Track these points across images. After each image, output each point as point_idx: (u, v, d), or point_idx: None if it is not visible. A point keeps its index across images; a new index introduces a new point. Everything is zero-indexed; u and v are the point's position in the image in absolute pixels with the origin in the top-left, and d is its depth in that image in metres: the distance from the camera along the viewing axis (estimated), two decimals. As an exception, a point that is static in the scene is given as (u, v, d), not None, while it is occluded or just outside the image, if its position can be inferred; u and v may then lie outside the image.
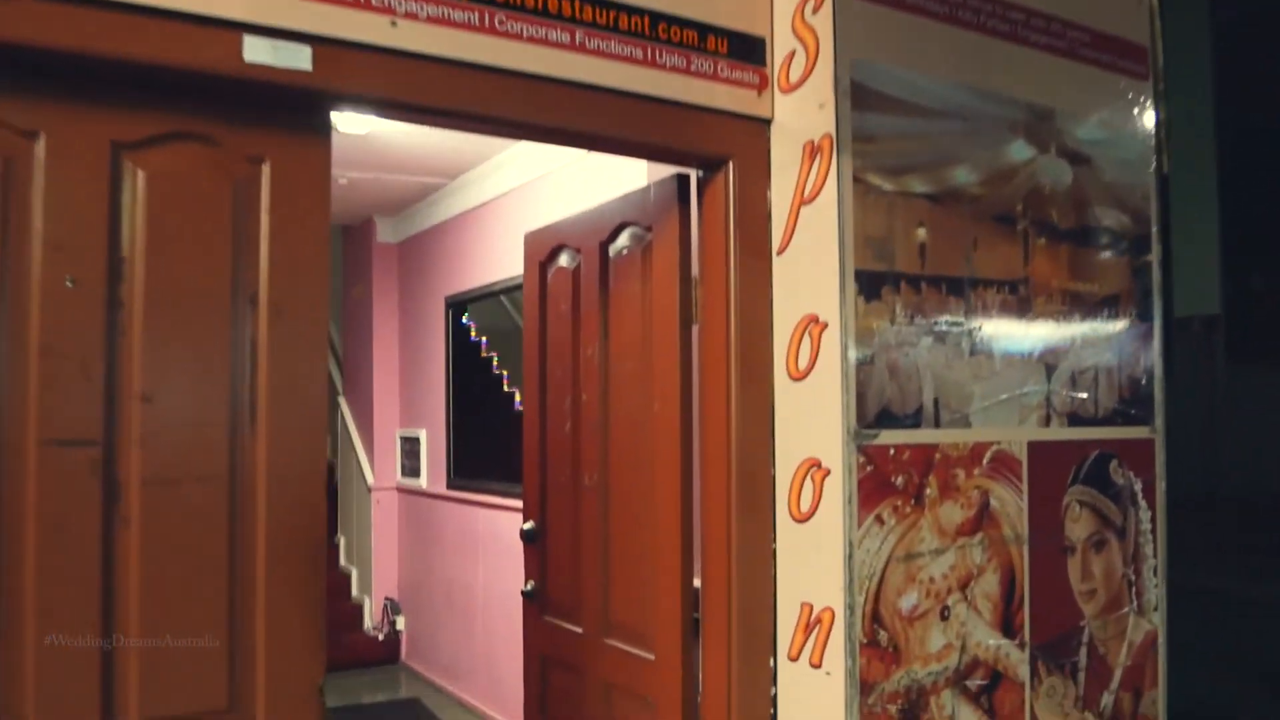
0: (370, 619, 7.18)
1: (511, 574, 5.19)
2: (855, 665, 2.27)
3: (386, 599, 7.08)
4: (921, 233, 2.49)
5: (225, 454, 2.01)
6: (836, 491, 2.30)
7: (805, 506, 2.38)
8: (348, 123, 4.94)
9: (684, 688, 2.57)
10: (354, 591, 7.45)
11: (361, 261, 7.56)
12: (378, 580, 7.17)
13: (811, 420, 2.39)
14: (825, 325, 2.36)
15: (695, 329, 2.63)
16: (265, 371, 2.05)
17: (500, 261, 5.74)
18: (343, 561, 7.72)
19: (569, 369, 3.10)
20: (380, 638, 6.99)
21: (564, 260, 3.17)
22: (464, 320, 6.37)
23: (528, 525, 3.27)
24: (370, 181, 6.30)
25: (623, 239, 2.87)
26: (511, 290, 5.65)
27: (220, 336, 2.01)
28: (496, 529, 5.69)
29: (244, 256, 2.05)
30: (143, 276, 1.94)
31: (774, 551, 2.47)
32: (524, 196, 5.52)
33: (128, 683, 1.88)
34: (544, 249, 3.28)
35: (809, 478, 2.38)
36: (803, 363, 2.42)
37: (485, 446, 6.11)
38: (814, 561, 2.36)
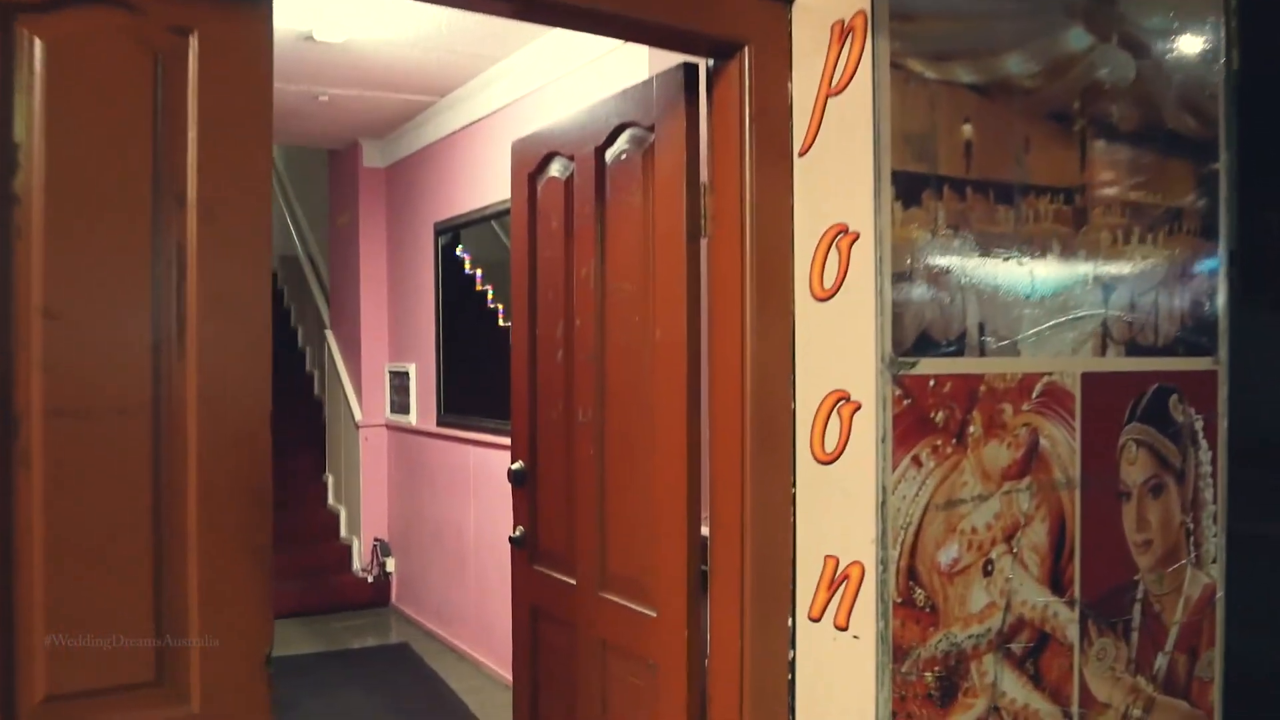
0: (359, 560, 6.93)
1: (503, 516, 4.90)
2: (888, 628, 1.97)
3: (376, 540, 6.83)
4: (967, 129, 2.14)
5: (148, 381, 1.69)
6: (868, 429, 1.99)
7: (830, 446, 2.07)
8: (324, 30, 4.56)
9: (690, 648, 2.28)
10: (343, 532, 7.20)
11: (348, 188, 7.18)
12: (366, 520, 6.91)
13: (839, 346, 2.07)
14: (856, 236, 2.03)
15: (704, 243, 2.30)
16: (195, 283, 1.72)
17: (491, 184, 5.38)
18: (331, 501, 7.46)
19: (561, 292, 2.77)
20: (370, 580, 6.75)
21: (555, 170, 2.83)
22: (458, 252, 6.02)
23: (516, 465, 2.97)
24: (353, 99, 5.91)
25: (621, 142, 2.53)
26: (502, 215, 5.30)
27: (139, 240, 1.68)
28: (488, 468, 5.41)
29: (168, 146, 1.71)
30: (43, 168, 1.60)
31: (793, 497, 2.16)
32: (517, 113, 5.14)
33: (32, 653, 1.58)
34: (533, 158, 2.93)
35: (835, 413, 2.06)
36: (829, 280, 2.09)
37: (477, 381, 5.80)
38: (840, 509, 2.05)
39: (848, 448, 2.03)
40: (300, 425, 7.90)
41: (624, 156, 2.51)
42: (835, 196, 2.08)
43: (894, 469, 1.98)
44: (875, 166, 1.99)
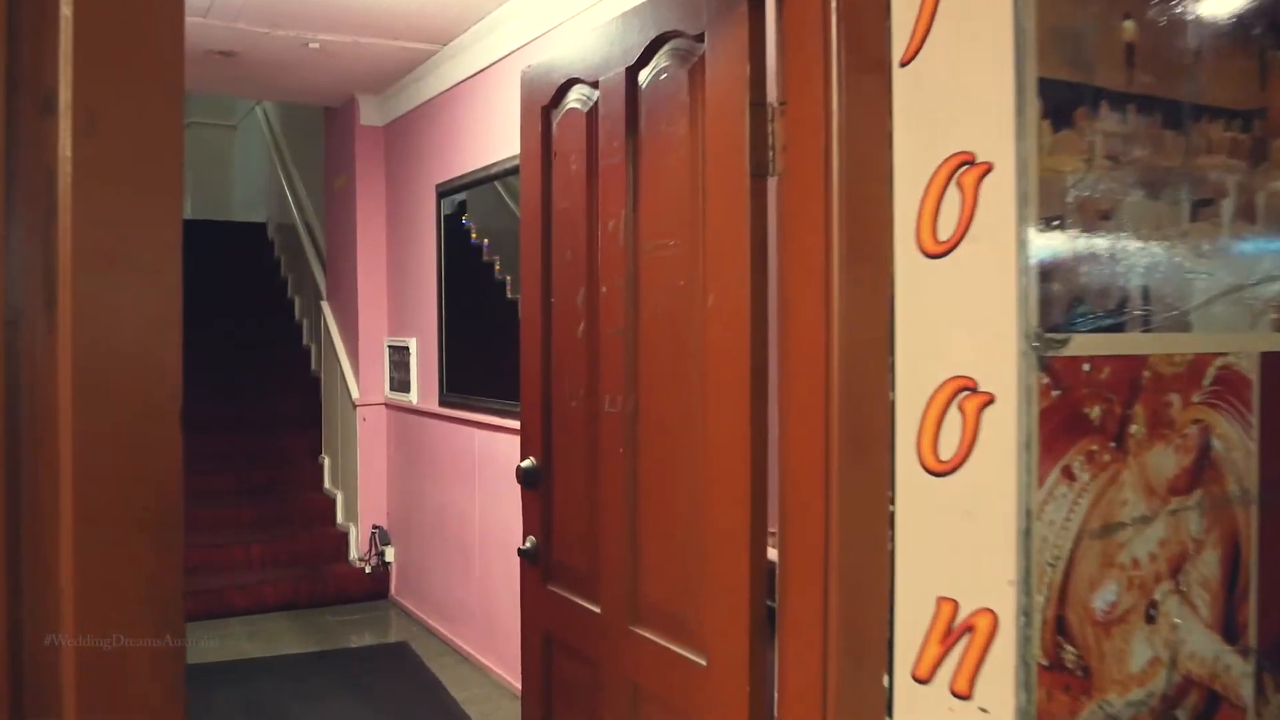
0: (356, 549, 6.44)
1: (511, 507, 4.40)
2: (1031, 701, 1.45)
3: (374, 527, 6.34)
4: (1129, 28, 1.61)
5: (-1, 363, 1.18)
6: (1005, 429, 1.46)
7: (947, 451, 1.55)
8: (308, -41, 4.02)
9: (751, 709, 1.77)
10: (339, 518, 6.71)
11: (344, 148, 6.65)
12: (364, 506, 6.41)
13: (960, 318, 1.54)
14: (987, 168, 1.50)
15: (772, 183, 1.77)
16: (71, 224, 1.20)
17: (498, 140, 4.84)
18: (327, 485, 6.98)
19: (583, 251, 2.24)
20: (367, 570, 6.26)
21: (575, 100, 2.30)
22: (463, 220, 5.48)
23: (526, 464, 2.45)
24: (346, 47, 5.37)
25: (661, 58, 2.00)
26: (509, 174, 4.76)
27: (-17, 161, 1.17)
28: (495, 453, 4.90)
29: (29, 24, 1.19)
30: None
31: (891, 517, 1.64)
32: (526, 59, 4.57)
33: None
34: (548, 89, 2.40)
35: (955, 407, 1.54)
36: (946, 229, 1.56)
37: (483, 357, 5.28)
38: (961, 537, 1.53)
39: (973, 454, 1.51)
40: (296, 403, 7.43)
41: (664, 76, 1.98)
42: (956, 116, 1.55)
43: (1040, 484, 1.46)
44: (1017, 70, 1.45)
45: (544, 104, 2.42)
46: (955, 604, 1.53)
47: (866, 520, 1.65)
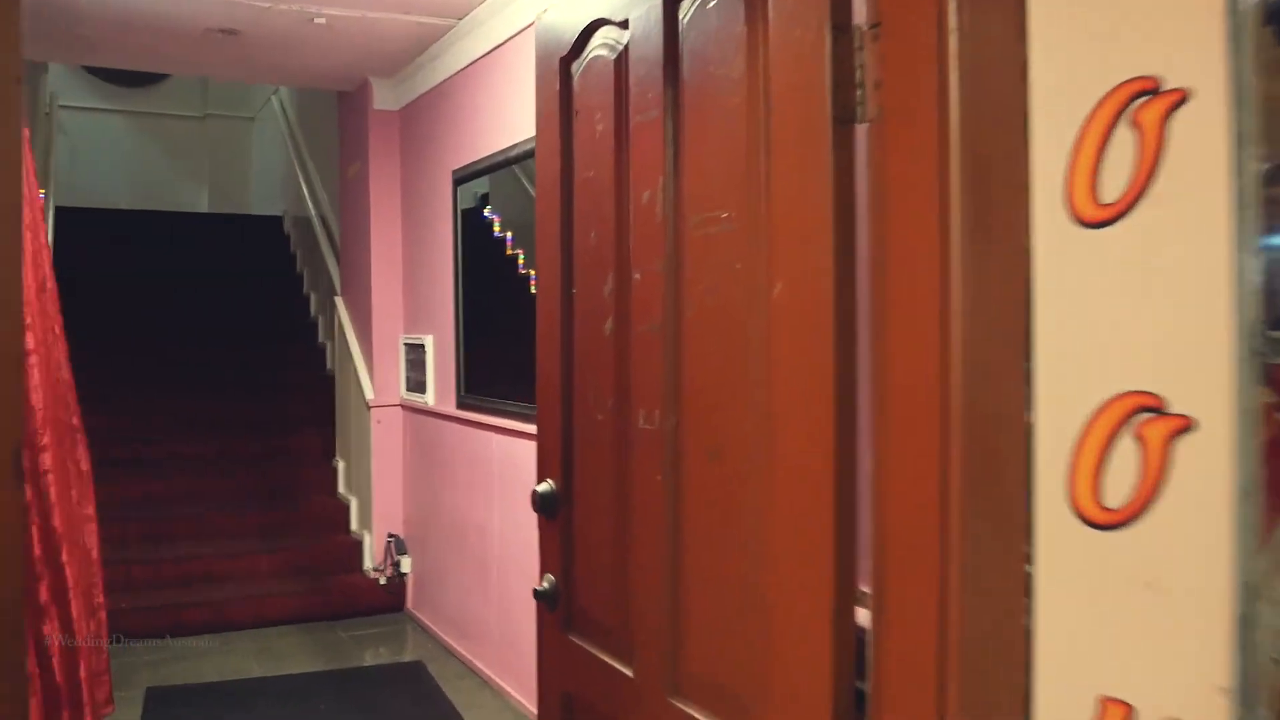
0: (371, 559, 6.06)
1: (532, 519, 3.99)
2: None
3: (390, 536, 5.95)
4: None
5: None
6: (1212, 468, 1.03)
7: (1117, 496, 1.12)
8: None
9: (834, 829, 1.34)
10: (353, 525, 6.34)
11: (358, 134, 6.27)
12: (379, 513, 6.03)
13: (1137, 310, 1.11)
14: (1180, 97, 1.06)
15: (862, 131, 1.34)
16: None
17: (517, 120, 4.43)
18: (341, 489, 6.61)
19: (610, 230, 1.83)
20: (382, 581, 5.87)
21: (600, 46, 1.88)
22: (485, 213, 5.07)
23: (543, 487, 2.04)
24: (355, 22, 4.98)
25: (709, -18, 1.57)
26: (527, 157, 4.35)
27: None
28: (514, 460, 4.49)
29: None
30: None
31: (1027, 581, 1.21)
32: (547, 28, 4.18)
33: None
34: (568, 35, 1.99)
35: (1130, 435, 1.10)
36: (1113, 187, 1.13)
37: (504, 356, 4.88)
38: (1138, 616, 1.10)
39: (1159, 501, 1.08)
40: (309, 403, 7.07)
41: (712, 3, 1.56)
42: (1127, 28, 1.11)
43: (1264, 545, 1.03)
44: (1229, -44, 1.02)
45: (563, 54, 2.00)
46: (1129, 709, 1.10)
47: (993, 584, 1.22)
